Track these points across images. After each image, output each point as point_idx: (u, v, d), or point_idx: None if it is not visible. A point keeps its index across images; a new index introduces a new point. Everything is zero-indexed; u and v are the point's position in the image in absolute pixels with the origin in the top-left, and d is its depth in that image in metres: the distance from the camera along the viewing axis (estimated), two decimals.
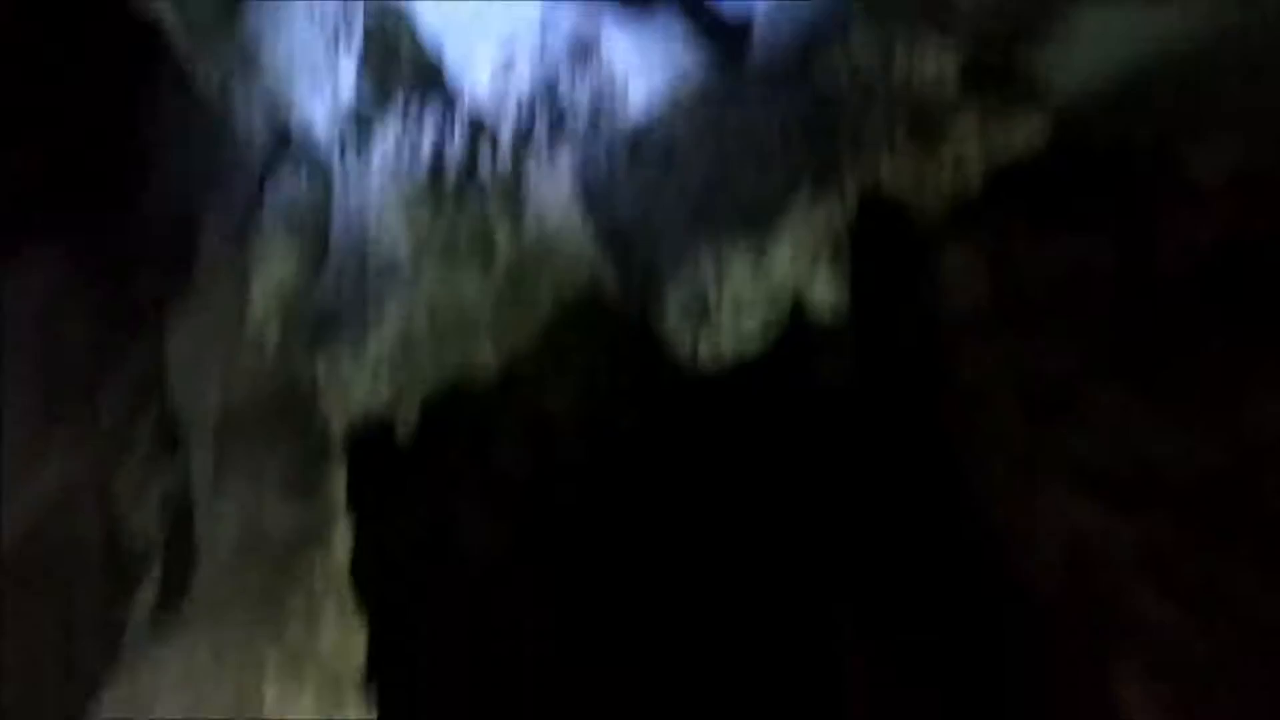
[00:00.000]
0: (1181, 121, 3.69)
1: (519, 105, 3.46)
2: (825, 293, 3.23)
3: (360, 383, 3.29)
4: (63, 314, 3.50)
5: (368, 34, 3.41)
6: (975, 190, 3.34)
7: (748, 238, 3.09)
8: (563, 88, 3.49)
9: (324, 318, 3.32)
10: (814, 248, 3.17)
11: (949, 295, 3.90)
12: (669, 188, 3.28)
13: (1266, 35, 3.36)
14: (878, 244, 3.58)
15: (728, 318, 3.09)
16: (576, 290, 3.57)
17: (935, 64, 3.21)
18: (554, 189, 3.42)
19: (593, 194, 3.39)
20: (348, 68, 3.42)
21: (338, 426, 3.30)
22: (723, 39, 3.56)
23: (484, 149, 3.42)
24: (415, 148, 3.39)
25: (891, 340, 3.79)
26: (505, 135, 3.44)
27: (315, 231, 3.41)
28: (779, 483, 3.79)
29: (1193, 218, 3.80)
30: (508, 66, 3.48)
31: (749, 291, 3.08)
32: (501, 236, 3.45)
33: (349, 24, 3.42)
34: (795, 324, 3.39)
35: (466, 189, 3.40)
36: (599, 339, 3.73)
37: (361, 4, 3.42)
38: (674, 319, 3.10)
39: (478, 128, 3.44)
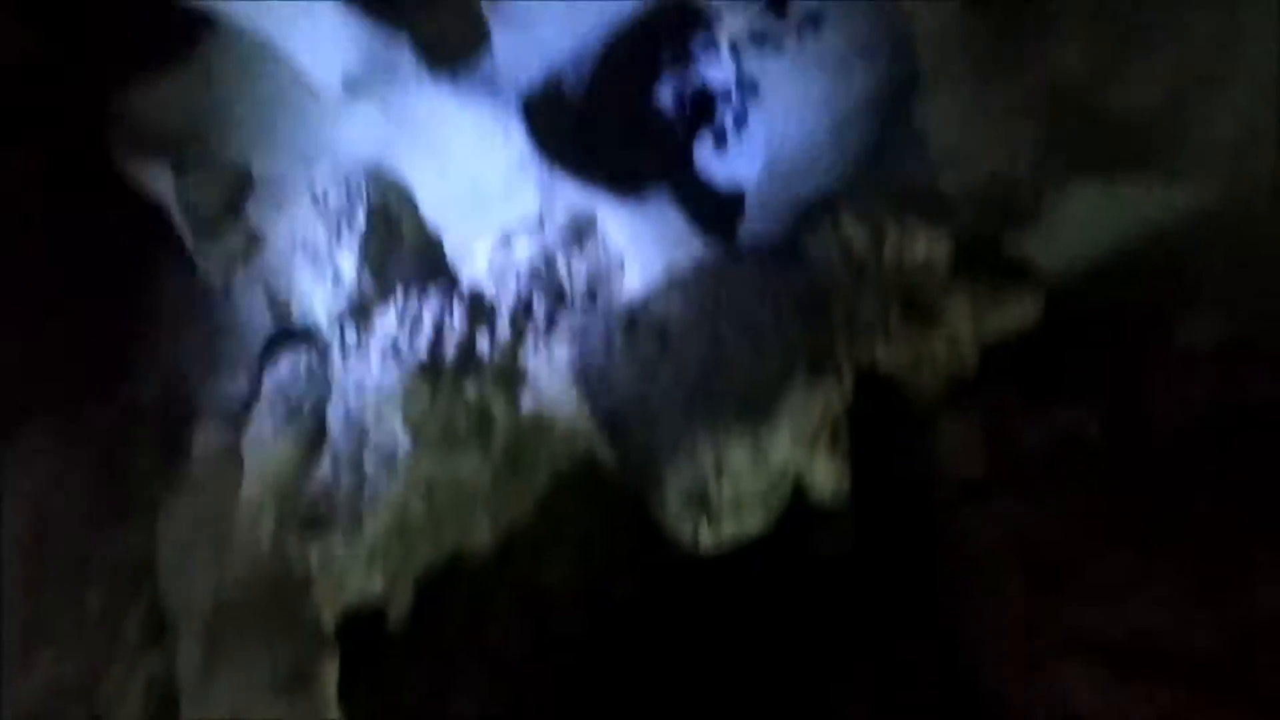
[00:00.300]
0: (1168, 294, 3.76)
1: (517, 285, 3.50)
2: (824, 475, 3.22)
3: (355, 571, 3.24)
4: (55, 501, 3.46)
5: (370, 218, 3.47)
6: (970, 369, 3.36)
7: (746, 426, 3.08)
8: (560, 268, 3.54)
9: (319, 505, 3.28)
10: (812, 433, 3.17)
11: (946, 467, 3.90)
12: (665, 369, 3.30)
13: (1247, 214, 3.44)
14: (875, 421, 3.59)
15: (728, 507, 3.07)
16: (573, 463, 3.56)
17: (925, 247, 3.27)
18: (551, 368, 3.44)
19: (590, 374, 3.40)
20: (350, 252, 3.46)
21: (330, 616, 3.23)
22: (715, 216, 3.63)
23: (482, 330, 3.45)
24: (415, 330, 3.42)
25: (891, 514, 3.77)
26: (503, 316, 3.48)
27: (312, 417, 3.40)
28: (776, 656, 3.72)
29: (1182, 387, 3.84)
30: (506, 247, 3.53)
31: (749, 481, 3.06)
32: (500, 416, 3.45)
33: (352, 209, 3.48)
34: (795, 502, 3.38)
35: (465, 370, 3.41)
36: (595, 510, 3.70)
37: (364, 189, 3.47)
38: (674, 509, 3.08)
39: (477, 308, 3.47)
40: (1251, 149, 3.37)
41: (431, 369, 3.35)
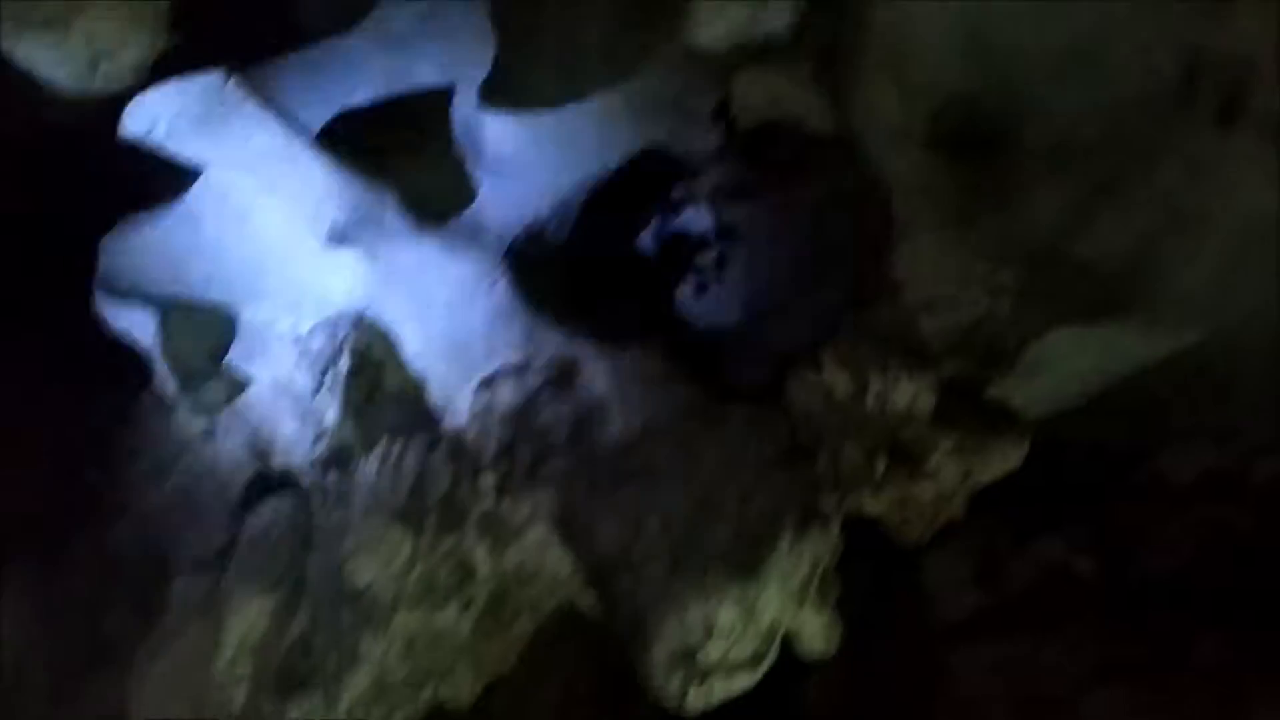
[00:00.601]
0: (1151, 430, 3.79)
1: (501, 432, 3.48)
2: (814, 632, 3.18)
3: None
4: (27, 652, 3.36)
5: (353, 365, 3.46)
6: (958, 513, 3.35)
7: (735, 582, 3.04)
8: (543, 414, 3.53)
9: (296, 664, 3.20)
10: (801, 588, 3.13)
11: (937, 606, 3.87)
12: (650, 520, 3.26)
13: (1226, 352, 3.48)
14: (864, 563, 3.57)
15: (717, 669, 3.01)
16: (557, 613, 3.50)
17: (909, 394, 3.28)
18: (535, 516, 3.40)
19: (574, 523, 3.36)
20: (332, 400, 3.45)
21: None
22: (698, 361, 3.64)
23: (465, 477, 3.41)
24: (396, 479, 3.38)
25: (883, 656, 3.71)
26: (486, 462, 3.44)
27: (291, 568, 3.34)
28: None
29: (1170, 520, 3.85)
30: (490, 393, 3.51)
31: (738, 641, 3.01)
32: (482, 567, 3.39)
33: (335, 356, 3.47)
34: (784, 653, 3.32)
35: (447, 520, 3.37)
36: (579, 660, 3.62)
37: (348, 336, 3.48)
38: (661, 670, 3.02)
39: (459, 456, 3.44)
40: (1227, 291, 3.43)
41: (413, 519, 3.30)
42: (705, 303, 3.85)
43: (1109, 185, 3.36)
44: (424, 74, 3.49)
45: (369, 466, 3.39)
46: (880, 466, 3.27)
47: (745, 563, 3.08)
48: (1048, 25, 3.42)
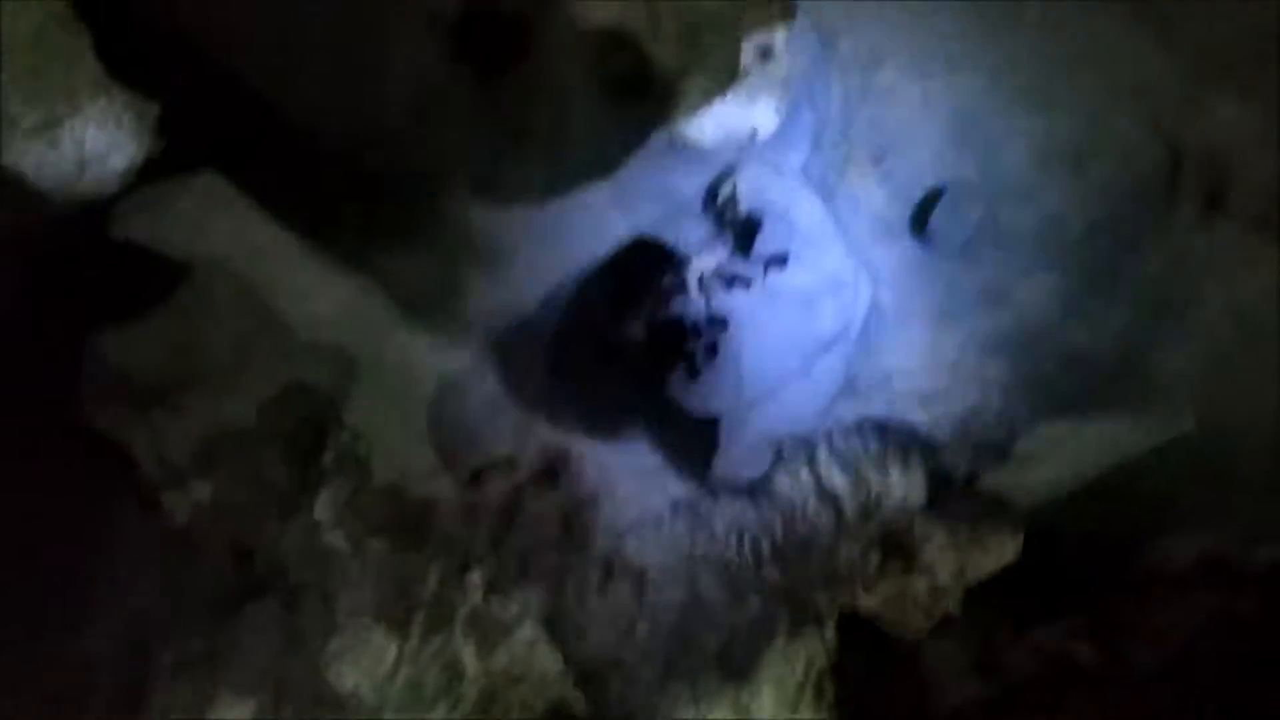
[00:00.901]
0: (1147, 517, 3.75)
1: (489, 525, 3.43)
2: None
3: None
4: None
5: (337, 463, 3.42)
6: (954, 606, 3.30)
7: (727, 686, 2.97)
8: (532, 506, 3.48)
9: None
10: (796, 690, 3.06)
11: (937, 695, 3.79)
12: (642, 620, 3.21)
13: (1219, 438, 3.46)
14: (860, 656, 3.50)
15: None
16: (547, 712, 3.41)
17: (902, 487, 3.25)
18: (524, 614, 3.34)
19: (565, 622, 3.30)
20: (316, 498, 3.40)
21: None
22: (689, 450, 3.61)
23: (452, 574, 3.35)
24: (381, 579, 3.32)
25: None
26: (475, 558, 3.39)
27: (272, 675, 3.26)
28: None
29: (1169, 607, 3.79)
30: (479, 485, 3.47)
31: None
32: (470, 666, 3.32)
33: (320, 452, 3.43)
34: None
35: (434, 619, 3.30)
36: None
37: (334, 431, 3.44)
38: None
39: (447, 551, 3.39)
40: (1216, 378, 3.42)
41: (399, 622, 3.24)
42: (697, 390, 3.83)
43: (1096, 275, 3.37)
44: None
45: (353, 566, 3.32)
46: (874, 561, 3.22)
47: (738, 666, 3.02)
48: (1031, 117, 3.45)
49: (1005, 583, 3.54)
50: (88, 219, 3.21)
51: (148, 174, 3.17)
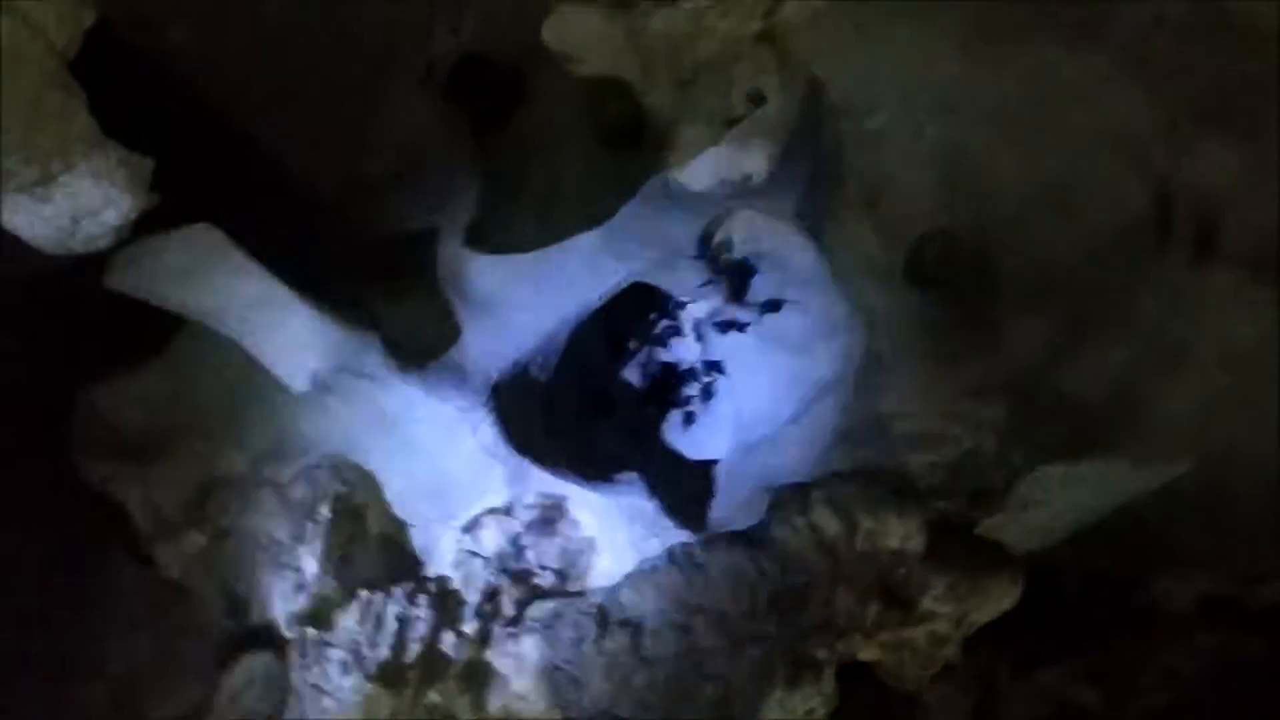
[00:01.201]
0: (1144, 558, 3.73)
1: (485, 575, 3.42)
2: None
3: None
4: None
5: (334, 513, 3.40)
6: (955, 655, 3.27)
7: None
8: (528, 556, 3.47)
9: None
10: None
11: None
12: (638, 670, 3.17)
13: (1216, 482, 3.45)
14: (860, 704, 3.47)
15: None
16: None
17: (899, 534, 3.23)
18: (520, 664, 3.31)
19: (560, 672, 3.27)
20: (312, 548, 3.38)
21: None
22: (685, 497, 3.59)
23: (448, 625, 3.33)
24: (377, 631, 3.29)
25: None
26: (470, 608, 3.37)
27: None
28: None
29: (1171, 648, 3.76)
30: (474, 535, 3.46)
31: None
32: (465, 718, 3.28)
33: (315, 503, 3.42)
34: None
35: (429, 671, 3.27)
36: None
37: (329, 482, 3.42)
38: None
39: (443, 603, 3.36)
40: (1212, 421, 3.41)
41: (393, 675, 3.21)
42: (692, 435, 3.82)
43: (1089, 318, 3.37)
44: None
45: (348, 619, 3.30)
46: (873, 610, 3.20)
47: (736, 717, 2.98)
48: (1021, 160, 3.47)
49: (1005, 623, 3.51)
50: (82, 271, 3.21)
51: (142, 227, 3.17)
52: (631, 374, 3.85)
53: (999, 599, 3.24)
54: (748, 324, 3.65)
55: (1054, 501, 3.41)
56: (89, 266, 3.21)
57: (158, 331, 3.47)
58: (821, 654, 3.11)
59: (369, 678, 3.21)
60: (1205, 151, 3.35)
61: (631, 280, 3.66)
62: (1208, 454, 3.42)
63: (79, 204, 2.92)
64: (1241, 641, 3.75)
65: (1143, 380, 3.40)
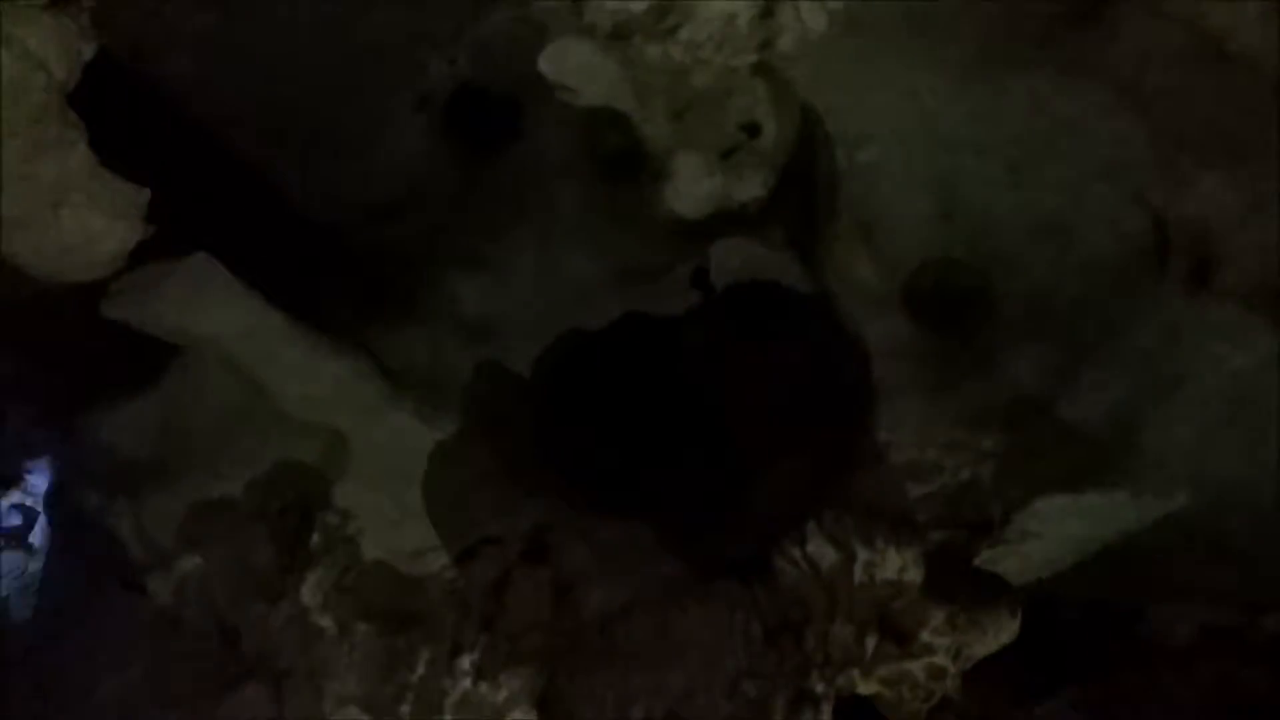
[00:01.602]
0: (1144, 588, 3.71)
1: (478, 606, 3.39)
2: None
3: None
4: None
5: (324, 543, 3.39)
6: (954, 689, 3.23)
7: None
8: (522, 586, 3.44)
9: None
10: None
11: None
12: (636, 704, 3.14)
13: (1216, 511, 3.43)
14: None
15: None
16: None
17: (896, 566, 3.21)
18: (515, 700, 3.27)
19: (555, 704, 3.24)
20: (303, 581, 3.36)
21: None
22: (684, 525, 3.57)
23: (441, 658, 3.30)
24: (369, 665, 3.26)
25: None
26: (464, 641, 3.35)
27: None
28: None
29: (1173, 680, 3.73)
30: (468, 565, 3.44)
31: None
32: None
33: (307, 534, 3.40)
34: None
35: (423, 706, 3.25)
36: None
37: (321, 513, 3.41)
38: None
39: (436, 634, 3.34)
40: (1211, 450, 3.40)
41: (387, 710, 3.18)
42: (688, 467, 3.80)
43: (1087, 349, 3.36)
44: None
45: (341, 651, 3.27)
46: (871, 644, 3.17)
47: None
48: (1017, 189, 3.48)
49: (1004, 656, 3.48)
50: (79, 301, 3.22)
51: (139, 256, 3.19)
52: (628, 404, 3.84)
53: (998, 632, 3.21)
54: (743, 354, 3.65)
55: (1053, 533, 3.39)
56: (86, 296, 3.22)
57: (153, 360, 3.47)
58: (819, 688, 3.08)
59: (363, 710, 3.16)
60: (1202, 183, 3.36)
61: (627, 310, 3.66)
62: (1206, 484, 3.40)
63: (76, 234, 2.93)
64: (1243, 673, 3.71)
65: (1141, 411, 3.40)
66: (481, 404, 3.49)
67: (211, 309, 3.18)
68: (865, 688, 3.21)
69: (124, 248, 2.97)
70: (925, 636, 3.19)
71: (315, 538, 3.36)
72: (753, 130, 3.46)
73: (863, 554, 3.21)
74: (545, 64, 3.36)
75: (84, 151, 2.80)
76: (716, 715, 3.06)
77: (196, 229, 3.16)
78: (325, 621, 3.31)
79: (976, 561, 3.30)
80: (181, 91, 3.36)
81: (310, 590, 3.32)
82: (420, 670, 3.28)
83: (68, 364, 3.50)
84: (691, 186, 3.49)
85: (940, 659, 3.19)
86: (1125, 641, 3.79)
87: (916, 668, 3.19)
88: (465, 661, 3.31)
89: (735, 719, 3.02)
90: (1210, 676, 3.73)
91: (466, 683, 3.29)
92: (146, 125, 3.26)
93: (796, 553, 3.26)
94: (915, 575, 3.21)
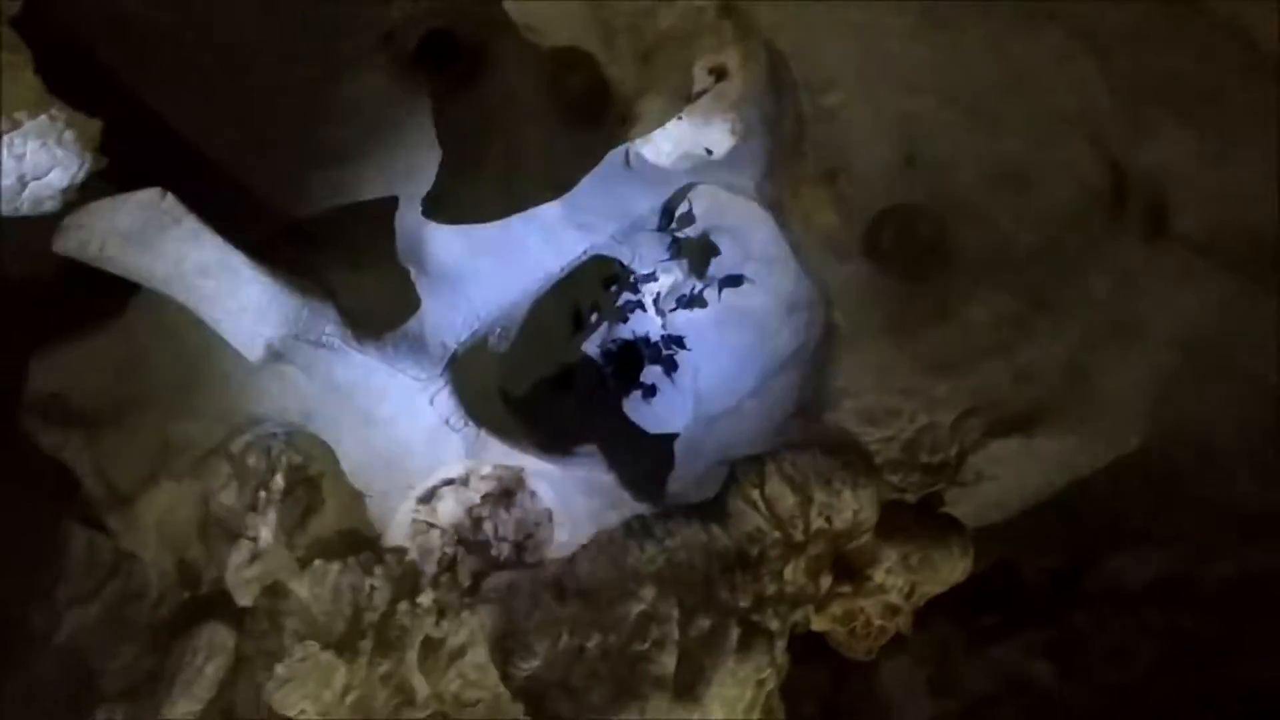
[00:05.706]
0: (1097, 535, 3.79)
1: (442, 546, 3.41)
2: None
3: None
4: None
5: (287, 484, 3.38)
6: (906, 625, 3.30)
7: (677, 708, 2.96)
8: (485, 526, 3.46)
9: None
10: (745, 710, 3.06)
11: (893, 714, 3.80)
12: (592, 644, 3.18)
13: (1169, 457, 3.50)
14: (812, 675, 3.50)
15: None
16: None
17: (852, 506, 3.25)
18: (477, 637, 3.31)
19: (514, 643, 3.27)
20: (266, 518, 3.35)
21: None
22: (644, 467, 3.60)
23: (404, 596, 3.33)
24: (331, 601, 3.28)
25: None
26: (427, 579, 3.37)
27: (219, 701, 3.21)
28: None
29: (1125, 625, 3.82)
30: (430, 506, 3.45)
31: None
32: (421, 689, 3.29)
33: (270, 474, 3.39)
34: None
35: (384, 642, 3.27)
36: None
37: (284, 452, 3.40)
38: None
39: (399, 573, 3.36)
40: (1165, 396, 3.46)
41: (348, 645, 3.20)
42: (652, 408, 3.83)
43: (1044, 296, 3.40)
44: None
45: (303, 588, 3.28)
46: (825, 581, 3.22)
47: (688, 687, 3.00)
48: (978, 139, 3.48)
49: (960, 599, 3.56)
50: (32, 235, 3.15)
51: (91, 191, 3.12)
52: (592, 348, 3.85)
53: (950, 571, 3.28)
54: (709, 299, 3.66)
55: (1007, 476, 3.45)
56: (39, 230, 3.15)
57: (110, 298, 3.42)
58: (774, 624, 3.13)
59: (323, 647, 3.18)
60: (1157, 134, 3.38)
61: (593, 253, 3.65)
62: (1160, 428, 3.47)
63: (25, 165, 2.87)
64: (1193, 618, 3.81)
65: (1095, 356, 3.44)
66: (444, 346, 3.47)
67: (167, 245, 3.13)
68: (819, 624, 3.27)
69: (75, 180, 2.90)
70: (879, 575, 3.25)
71: (277, 478, 3.34)
72: (719, 74, 3.43)
73: (819, 495, 3.26)
74: (511, 3, 3.31)
75: (31, 79, 2.73)
76: (671, 652, 3.09)
77: (148, 165, 3.09)
78: (286, 560, 3.30)
79: (930, 504, 3.35)
80: (134, 27, 3.27)
81: (272, 530, 3.31)
82: (381, 608, 3.29)
83: (22, 302, 3.44)
84: (657, 130, 3.46)
85: (894, 597, 3.26)
86: (1079, 588, 3.87)
87: (870, 605, 3.25)
88: (427, 599, 3.33)
89: (689, 651, 3.05)
90: (1160, 623, 3.83)
91: (428, 621, 3.31)
92: (97, 57, 3.19)
93: (755, 494, 3.30)
94: (870, 516, 3.26)
